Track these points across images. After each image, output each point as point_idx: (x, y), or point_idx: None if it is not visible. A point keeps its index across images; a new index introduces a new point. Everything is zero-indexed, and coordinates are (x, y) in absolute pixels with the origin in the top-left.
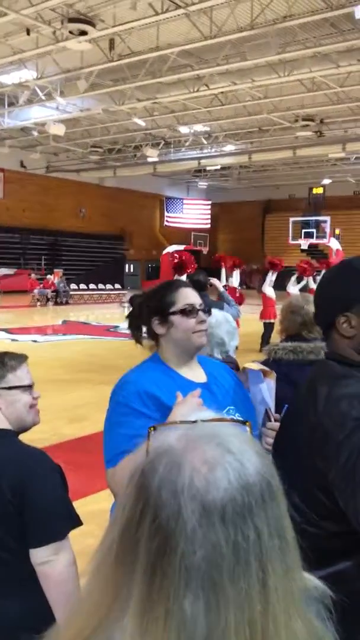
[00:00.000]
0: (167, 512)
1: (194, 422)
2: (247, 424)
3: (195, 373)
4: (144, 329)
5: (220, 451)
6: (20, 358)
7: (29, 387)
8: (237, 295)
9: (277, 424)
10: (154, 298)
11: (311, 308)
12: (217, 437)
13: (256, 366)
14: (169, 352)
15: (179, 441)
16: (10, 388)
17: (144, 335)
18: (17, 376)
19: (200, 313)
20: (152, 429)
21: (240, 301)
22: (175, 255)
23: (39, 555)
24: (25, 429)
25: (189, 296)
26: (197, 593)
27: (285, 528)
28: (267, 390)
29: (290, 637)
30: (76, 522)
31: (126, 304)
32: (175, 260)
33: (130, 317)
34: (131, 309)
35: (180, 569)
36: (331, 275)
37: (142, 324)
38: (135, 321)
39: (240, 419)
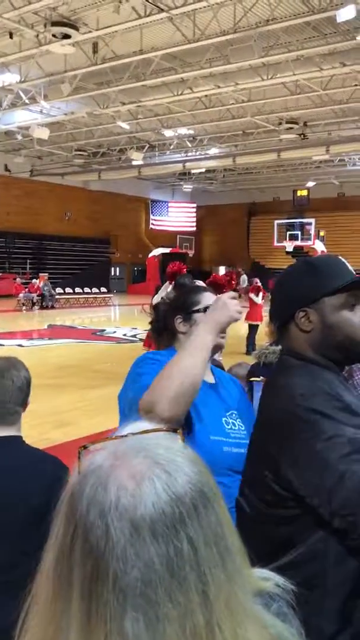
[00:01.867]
0: (96, 535)
1: (124, 436)
2: (178, 431)
3: (207, 375)
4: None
5: (147, 464)
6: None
7: None
8: None
9: None
10: (179, 299)
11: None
12: (144, 449)
13: (260, 379)
14: None
15: (106, 459)
16: None
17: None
18: None
19: None
20: (81, 448)
21: None
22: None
23: None
24: None
25: (212, 299)
26: (136, 613)
27: (223, 534)
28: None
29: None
30: None
31: (147, 310)
32: (170, 270)
33: (154, 322)
34: (155, 315)
35: (115, 591)
36: (292, 272)
37: (164, 328)
38: (158, 326)
39: (173, 427)
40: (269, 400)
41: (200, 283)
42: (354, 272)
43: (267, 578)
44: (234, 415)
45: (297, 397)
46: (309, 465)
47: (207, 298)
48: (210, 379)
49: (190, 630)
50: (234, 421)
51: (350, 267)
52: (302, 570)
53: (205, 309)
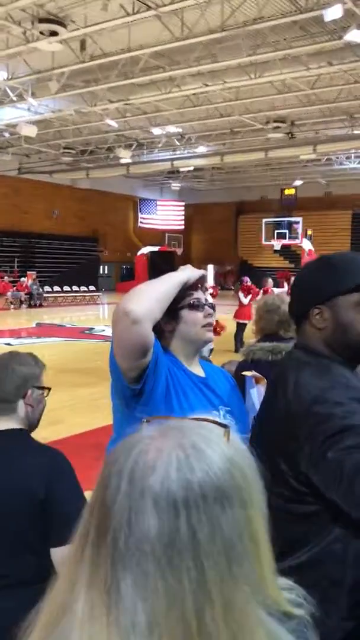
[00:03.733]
0: (109, 491)
1: (184, 418)
2: (226, 429)
3: (197, 369)
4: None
5: (174, 443)
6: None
7: (48, 390)
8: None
9: None
10: None
11: (286, 307)
12: (183, 432)
13: (249, 373)
14: (176, 348)
15: (151, 431)
16: (41, 388)
17: None
18: (43, 378)
19: (207, 307)
20: (145, 420)
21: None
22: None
23: (60, 554)
24: (32, 431)
25: (196, 292)
26: (130, 577)
27: (237, 536)
28: (256, 396)
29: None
30: None
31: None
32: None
33: None
34: None
35: (114, 550)
36: (309, 269)
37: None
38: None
39: (224, 421)
40: (283, 395)
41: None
42: None
43: (291, 590)
44: (224, 409)
45: (316, 392)
46: (330, 460)
47: (191, 292)
48: (200, 372)
49: (178, 612)
50: (225, 415)
51: None
52: (322, 570)
53: (190, 305)
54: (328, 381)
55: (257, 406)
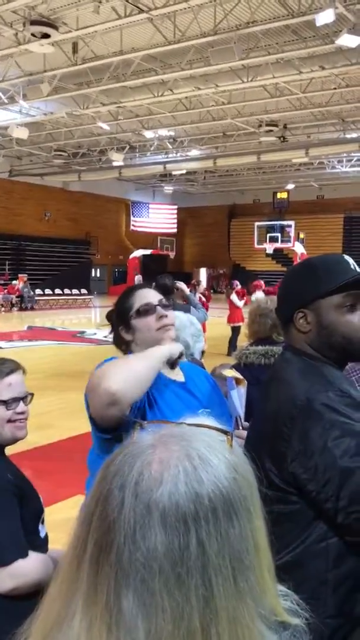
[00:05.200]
0: (112, 504)
1: (180, 423)
2: (228, 435)
3: (174, 373)
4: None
5: (180, 454)
6: (3, 371)
7: (4, 403)
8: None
9: (245, 432)
10: (117, 308)
11: None
12: (186, 440)
13: (231, 373)
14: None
15: (150, 438)
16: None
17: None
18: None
19: (159, 308)
20: (138, 424)
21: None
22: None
23: None
24: (5, 444)
25: (145, 296)
26: (133, 594)
27: (244, 549)
28: (237, 397)
29: None
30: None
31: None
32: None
33: (112, 332)
34: (110, 325)
35: (116, 567)
36: (293, 273)
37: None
38: (114, 337)
39: (224, 427)
40: (273, 394)
41: (180, 284)
42: (358, 270)
43: (286, 597)
44: (205, 413)
45: (306, 392)
46: (319, 460)
47: (141, 297)
48: (180, 377)
49: (183, 631)
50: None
51: (353, 266)
52: (307, 569)
53: (137, 312)
54: (322, 382)
55: (238, 408)
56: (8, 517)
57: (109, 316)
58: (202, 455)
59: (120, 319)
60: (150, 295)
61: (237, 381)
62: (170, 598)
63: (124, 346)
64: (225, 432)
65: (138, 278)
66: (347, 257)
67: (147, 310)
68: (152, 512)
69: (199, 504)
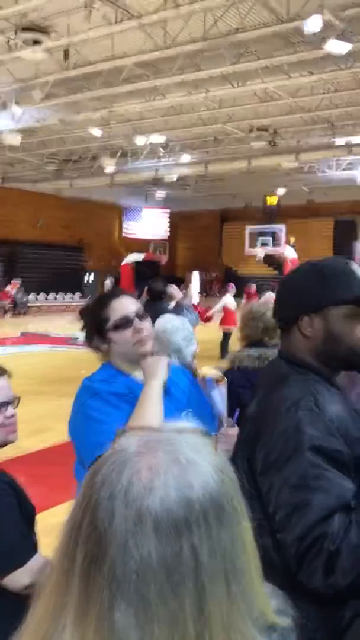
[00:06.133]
0: (102, 514)
1: (160, 429)
2: (213, 437)
3: None
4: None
5: (168, 459)
6: None
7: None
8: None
9: (233, 429)
10: (91, 316)
11: (271, 315)
12: (172, 445)
13: (210, 371)
14: (122, 365)
15: (134, 445)
16: None
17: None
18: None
19: (136, 321)
20: (120, 431)
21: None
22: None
23: None
24: None
25: (121, 307)
26: (127, 605)
27: (235, 553)
28: (219, 396)
29: None
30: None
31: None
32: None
33: (84, 329)
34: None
35: (109, 578)
36: (300, 275)
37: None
38: (86, 335)
39: (206, 430)
40: (257, 402)
41: (173, 288)
42: None
43: (272, 595)
44: (189, 414)
45: (283, 409)
46: (271, 480)
47: (116, 309)
48: None
49: (178, 639)
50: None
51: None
52: (290, 580)
53: (115, 327)
54: (297, 397)
55: (221, 407)
56: (14, 517)
57: (81, 315)
58: (189, 460)
59: (95, 330)
60: (125, 306)
61: (217, 380)
62: (165, 606)
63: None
64: (209, 435)
65: (109, 282)
66: (352, 265)
67: (125, 324)
68: (144, 520)
69: (190, 509)
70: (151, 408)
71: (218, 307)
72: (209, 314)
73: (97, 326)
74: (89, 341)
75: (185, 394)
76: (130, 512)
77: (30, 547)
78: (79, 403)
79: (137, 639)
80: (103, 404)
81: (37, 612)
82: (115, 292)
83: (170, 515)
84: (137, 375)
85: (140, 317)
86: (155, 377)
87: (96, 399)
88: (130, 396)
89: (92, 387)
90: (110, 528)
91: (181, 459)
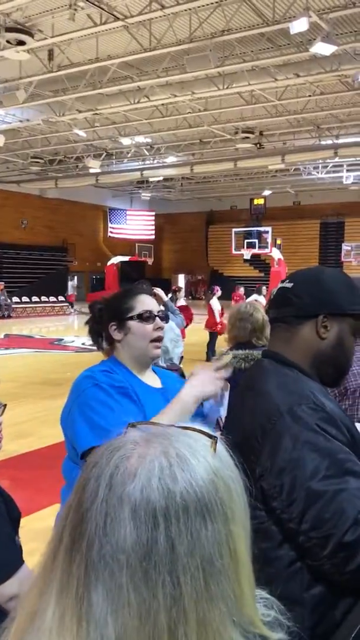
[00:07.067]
0: (87, 495)
1: (171, 425)
2: (213, 439)
3: (151, 379)
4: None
5: (158, 451)
6: None
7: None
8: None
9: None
10: (113, 303)
11: (259, 315)
12: (168, 439)
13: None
14: (126, 358)
15: (135, 436)
16: None
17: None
18: None
19: (158, 319)
20: (130, 425)
21: (189, 319)
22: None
23: None
24: None
25: (147, 302)
26: (103, 588)
27: (216, 553)
28: (220, 399)
29: None
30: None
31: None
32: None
33: (89, 323)
34: (90, 315)
35: (87, 557)
36: (331, 275)
37: (101, 330)
38: (95, 327)
39: (211, 432)
40: (249, 407)
41: (158, 290)
42: None
43: (268, 602)
44: (198, 419)
45: (281, 406)
46: (286, 479)
47: (143, 302)
48: (158, 384)
49: (149, 628)
50: (204, 429)
51: None
52: (284, 587)
53: (139, 316)
54: (294, 394)
55: (221, 410)
56: (3, 525)
57: (92, 307)
58: (180, 454)
59: (116, 317)
60: (151, 303)
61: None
62: (137, 593)
63: (100, 339)
64: (211, 437)
65: (72, 284)
66: None
67: (148, 317)
68: (124, 505)
69: (170, 500)
70: (173, 416)
71: (219, 310)
72: (220, 319)
73: (117, 313)
74: (96, 334)
75: None
76: (112, 495)
77: (18, 556)
78: (78, 391)
79: (113, 624)
80: (104, 395)
81: (29, 589)
82: (142, 289)
83: (149, 503)
84: (141, 377)
85: (161, 318)
86: (200, 390)
87: (97, 389)
88: (130, 390)
89: (94, 377)
90: (92, 508)
91: (171, 452)
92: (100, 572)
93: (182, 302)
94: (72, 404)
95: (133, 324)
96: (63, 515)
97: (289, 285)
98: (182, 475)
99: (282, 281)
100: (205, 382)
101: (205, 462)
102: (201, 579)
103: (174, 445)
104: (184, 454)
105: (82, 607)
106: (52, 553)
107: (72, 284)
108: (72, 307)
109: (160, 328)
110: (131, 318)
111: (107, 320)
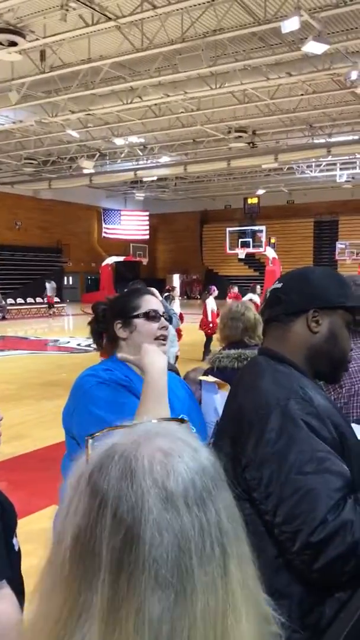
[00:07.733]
0: (128, 503)
1: (133, 425)
2: (185, 421)
3: None
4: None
5: (170, 440)
6: None
7: None
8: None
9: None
10: (119, 302)
11: (250, 314)
12: (162, 431)
13: (211, 379)
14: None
15: (126, 439)
16: None
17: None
18: None
19: (162, 319)
20: (89, 438)
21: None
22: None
23: None
24: None
25: (154, 302)
26: (166, 584)
27: (236, 514)
28: (220, 401)
29: (250, 630)
30: None
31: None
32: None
33: (92, 323)
34: (93, 315)
35: (149, 560)
36: (322, 273)
37: (103, 330)
38: (97, 327)
39: (181, 417)
40: (239, 399)
41: (153, 291)
42: None
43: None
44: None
45: (270, 400)
46: (265, 472)
47: (149, 302)
48: None
49: (213, 605)
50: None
51: None
52: (270, 582)
53: (145, 314)
54: (291, 392)
55: (220, 411)
56: None
57: (95, 308)
58: (187, 437)
59: (121, 315)
60: (157, 303)
61: (220, 385)
62: (204, 573)
63: (101, 340)
64: (182, 421)
65: (49, 286)
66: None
67: (154, 316)
68: (174, 496)
69: (207, 476)
70: (159, 407)
71: (213, 310)
72: (212, 320)
73: (123, 311)
74: (98, 335)
75: (181, 402)
76: (159, 491)
77: (6, 566)
78: (82, 389)
79: (170, 620)
80: (109, 392)
81: (38, 620)
82: (148, 290)
83: (195, 485)
84: (139, 373)
85: (166, 318)
86: (160, 369)
87: (103, 386)
88: (132, 387)
89: (97, 375)
90: (142, 512)
91: (181, 437)
92: (165, 569)
93: (176, 305)
94: (77, 402)
95: (139, 322)
96: (78, 534)
97: (279, 285)
98: (201, 452)
99: (274, 283)
100: (153, 355)
101: (198, 439)
102: (235, 542)
103: (175, 433)
104: (189, 437)
105: (142, 613)
106: (77, 575)
107: (50, 285)
108: (50, 308)
109: (165, 327)
110: (137, 316)
111: (112, 319)
